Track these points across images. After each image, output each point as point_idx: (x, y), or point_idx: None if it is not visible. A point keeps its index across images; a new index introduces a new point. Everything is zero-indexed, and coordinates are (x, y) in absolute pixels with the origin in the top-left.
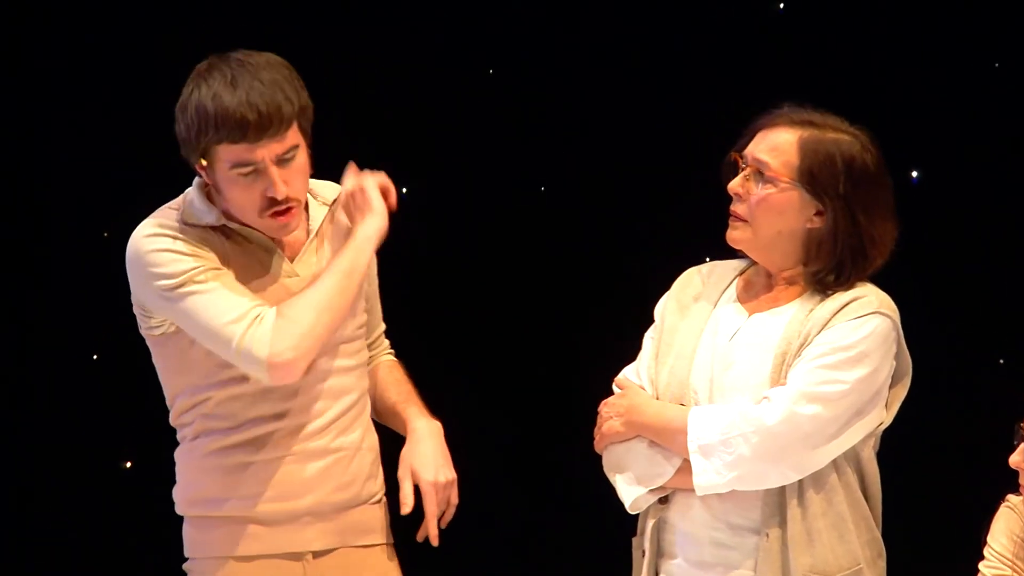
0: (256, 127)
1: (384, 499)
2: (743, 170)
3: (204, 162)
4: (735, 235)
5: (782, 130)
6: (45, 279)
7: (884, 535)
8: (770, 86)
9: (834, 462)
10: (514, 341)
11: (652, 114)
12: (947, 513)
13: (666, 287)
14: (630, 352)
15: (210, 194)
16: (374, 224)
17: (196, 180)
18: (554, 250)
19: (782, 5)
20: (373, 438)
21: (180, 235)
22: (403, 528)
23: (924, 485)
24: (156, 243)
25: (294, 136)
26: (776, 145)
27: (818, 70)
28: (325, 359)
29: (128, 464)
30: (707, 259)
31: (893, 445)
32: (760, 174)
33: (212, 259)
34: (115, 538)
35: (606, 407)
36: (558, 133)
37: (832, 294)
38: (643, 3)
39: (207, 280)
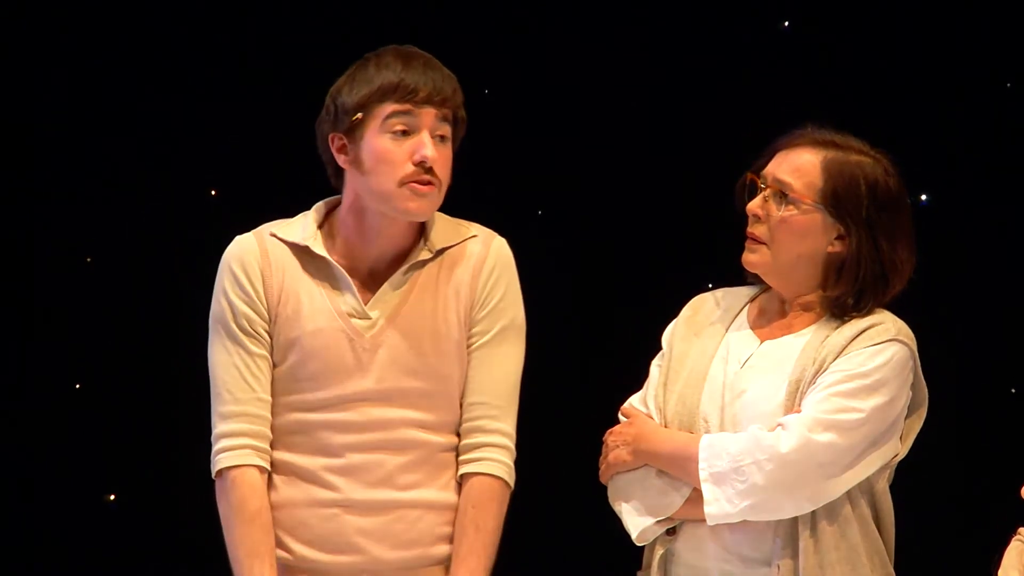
0: (423, 93)
1: None
2: (762, 191)
3: (360, 116)
4: (753, 258)
5: (804, 151)
6: (26, 305)
7: (895, 569)
8: (774, 106)
9: (848, 494)
10: None
11: (654, 135)
12: (957, 547)
13: (671, 314)
14: (635, 381)
15: (329, 218)
16: None
17: (322, 200)
18: (552, 277)
19: (787, 23)
20: (457, 499)
21: (252, 262)
22: None
23: (933, 517)
24: (226, 261)
25: (450, 119)
26: (799, 166)
27: (823, 90)
28: (390, 409)
29: (112, 497)
30: (710, 285)
31: (904, 476)
32: (782, 195)
33: (254, 311)
34: (99, 573)
35: (612, 436)
36: (557, 154)
37: (848, 320)
38: (645, 22)
39: (229, 340)
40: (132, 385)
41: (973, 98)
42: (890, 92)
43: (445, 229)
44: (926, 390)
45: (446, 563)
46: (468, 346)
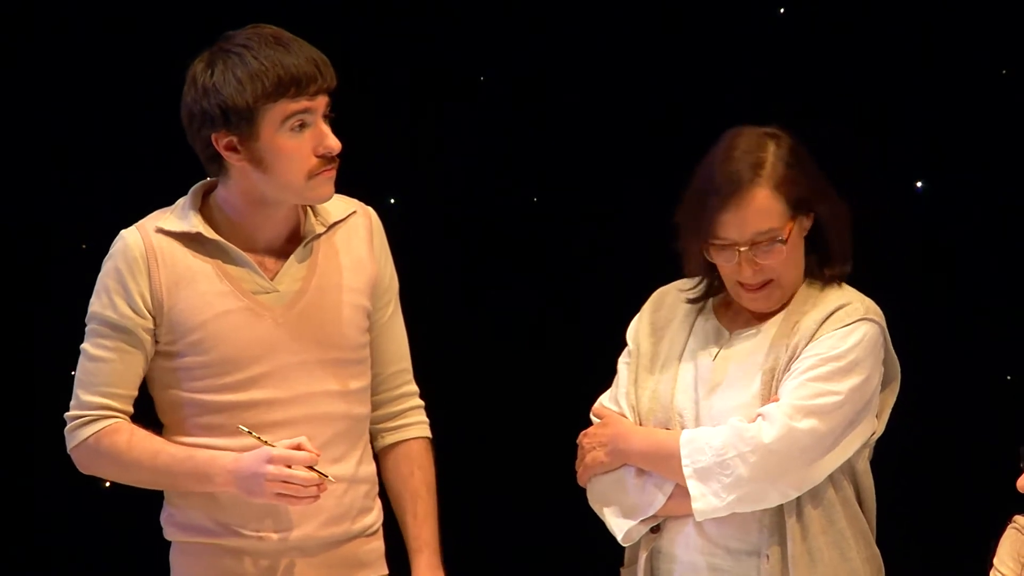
0: (316, 85)
1: (381, 530)
2: (740, 255)
3: (232, 138)
4: (769, 303)
5: (748, 192)
6: (20, 291)
7: (887, 554)
8: (768, 94)
9: (831, 477)
10: (488, 368)
11: (647, 124)
12: (949, 533)
13: (634, 310)
14: (602, 380)
15: (206, 202)
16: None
17: (193, 187)
18: (518, 276)
19: (782, 9)
20: (370, 468)
21: (135, 265)
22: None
23: (928, 505)
24: (110, 262)
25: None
26: (760, 208)
27: (819, 78)
28: (313, 382)
29: (108, 483)
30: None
31: (898, 462)
32: (769, 241)
33: (135, 312)
34: (94, 560)
35: (587, 438)
36: (550, 142)
37: (816, 303)
38: (637, 8)
39: (102, 341)
40: None
41: (969, 85)
42: (886, 79)
43: (328, 203)
44: (898, 365)
45: (365, 533)
46: (379, 317)
